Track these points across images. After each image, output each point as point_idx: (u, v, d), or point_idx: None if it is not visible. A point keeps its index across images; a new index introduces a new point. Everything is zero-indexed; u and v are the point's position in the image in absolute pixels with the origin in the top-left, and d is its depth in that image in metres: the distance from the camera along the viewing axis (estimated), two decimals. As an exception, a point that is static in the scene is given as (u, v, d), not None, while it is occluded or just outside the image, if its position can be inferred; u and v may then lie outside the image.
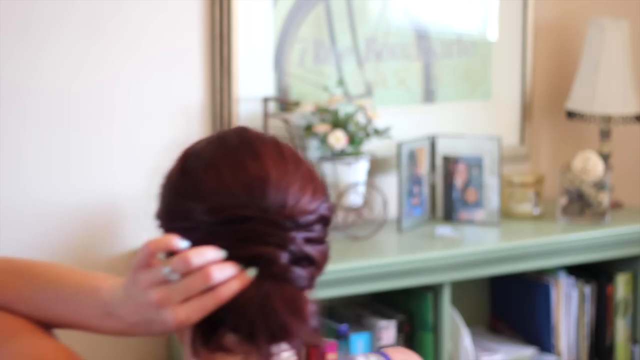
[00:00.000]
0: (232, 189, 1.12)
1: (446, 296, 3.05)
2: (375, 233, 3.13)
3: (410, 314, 3.11)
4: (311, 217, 1.15)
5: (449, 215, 3.36)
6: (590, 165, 3.38)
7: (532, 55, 3.58)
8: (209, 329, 1.13)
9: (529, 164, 3.63)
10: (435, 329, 3.06)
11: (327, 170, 3.11)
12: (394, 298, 3.15)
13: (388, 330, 3.05)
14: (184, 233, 1.13)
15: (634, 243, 3.32)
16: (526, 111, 3.59)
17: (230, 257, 1.11)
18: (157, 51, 3.00)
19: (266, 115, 3.11)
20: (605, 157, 3.48)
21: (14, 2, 2.82)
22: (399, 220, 3.22)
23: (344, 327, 2.99)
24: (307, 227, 1.14)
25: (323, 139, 3.07)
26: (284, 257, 1.12)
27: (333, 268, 2.87)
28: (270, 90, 3.15)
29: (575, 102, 3.53)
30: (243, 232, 1.11)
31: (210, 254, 1.09)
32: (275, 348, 1.13)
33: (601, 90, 3.47)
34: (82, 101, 2.92)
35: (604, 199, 3.37)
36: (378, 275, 2.93)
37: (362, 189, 3.13)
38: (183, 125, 3.06)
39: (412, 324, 3.11)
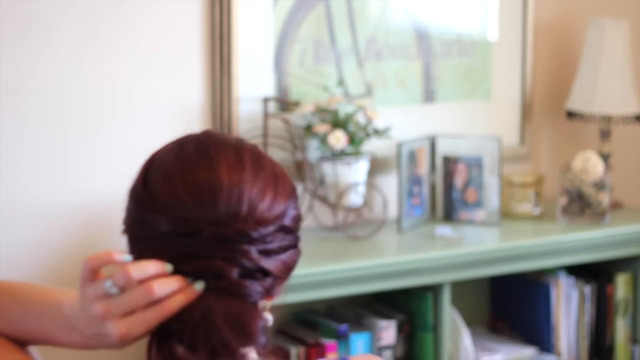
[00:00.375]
0: (184, 200, 1.11)
1: (446, 296, 3.05)
2: (375, 233, 3.13)
3: (410, 314, 3.11)
4: (269, 228, 1.13)
5: (449, 215, 3.36)
6: (590, 165, 3.38)
7: (532, 55, 3.58)
8: (161, 338, 1.14)
9: (529, 164, 3.63)
10: (435, 329, 3.06)
11: (327, 170, 3.11)
12: (394, 298, 3.15)
13: (388, 330, 3.05)
14: (140, 242, 1.13)
15: (634, 243, 3.32)
16: (526, 111, 3.59)
17: (178, 271, 1.10)
18: (157, 51, 3.00)
19: (266, 115, 3.11)
20: (605, 157, 3.48)
21: (14, 2, 2.82)
22: (399, 220, 3.22)
23: (344, 327, 2.99)
24: (262, 239, 1.12)
25: (323, 139, 3.07)
26: (234, 272, 1.10)
27: (333, 268, 2.87)
28: (270, 90, 3.15)
29: (575, 102, 3.53)
30: (191, 245, 1.10)
31: (151, 268, 1.09)
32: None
33: (601, 90, 3.47)
34: (82, 101, 2.92)
35: (604, 199, 3.37)
36: (378, 275, 2.93)
37: (362, 189, 3.13)
38: (183, 125, 3.04)
39: (412, 324, 3.11)
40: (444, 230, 3.22)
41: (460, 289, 3.27)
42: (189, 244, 1.10)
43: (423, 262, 2.99)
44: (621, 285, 3.39)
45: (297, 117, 3.15)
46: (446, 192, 3.36)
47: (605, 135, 3.54)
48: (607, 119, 3.52)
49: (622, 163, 3.71)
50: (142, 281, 1.09)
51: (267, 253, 1.13)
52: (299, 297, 2.80)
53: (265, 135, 3.12)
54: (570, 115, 3.55)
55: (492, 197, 3.32)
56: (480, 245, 3.15)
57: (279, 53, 3.16)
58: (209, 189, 1.11)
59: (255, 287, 1.11)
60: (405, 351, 3.10)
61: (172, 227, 1.11)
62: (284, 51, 3.17)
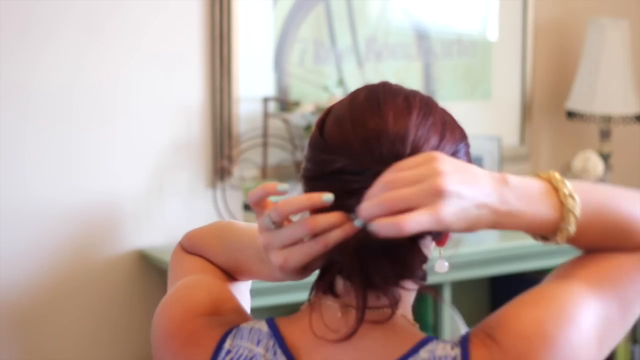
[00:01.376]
0: (352, 142, 1.14)
1: (446, 296, 3.05)
2: (375, 233, 3.13)
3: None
4: None
5: (449, 215, 3.35)
6: (590, 165, 3.38)
7: (532, 55, 3.58)
8: (324, 269, 1.17)
9: (529, 164, 3.63)
10: (435, 329, 3.06)
11: (327, 170, 3.11)
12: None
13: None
14: (313, 181, 1.17)
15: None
16: (526, 111, 3.59)
17: (344, 205, 1.12)
18: (157, 51, 3.00)
19: (266, 115, 3.11)
20: (605, 157, 3.48)
21: (15, 2, 2.82)
22: (399, 220, 3.21)
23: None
24: None
25: (323, 139, 3.07)
26: None
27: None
28: (270, 90, 3.15)
29: (575, 102, 3.53)
30: (357, 182, 1.12)
31: (303, 202, 1.11)
32: (374, 301, 1.14)
33: (601, 90, 3.47)
34: (83, 101, 2.92)
35: (604, 199, 3.37)
36: (378, 275, 2.93)
37: (362, 189, 3.12)
38: (183, 125, 3.06)
39: (412, 324, 3.11)
40: (444, 230, 3.22)
41: (460, 289, 3.27)
42: (355, 181, 1.13)
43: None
44: (621, 285, 3.39)
45: (297, 117, 3.16)
46: (446, 192, 3.36)
47: (605, 135, 3.54)
48: (607, 119, 3.52)
49: (622, 163, 3.71)
50: (297, 214, 1.13)
51: None
52: (296, 298, 2.80)
53: (265, 135, 3.12)
54: (570, 115, 3.55)
55: (492, 197, 3.32)
56: (480, 245, 3.15)
57: (279, 53, 3.17)
58: (375, 132, 1.14)
59: None
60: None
61: (341, 165, 1.14)
62: (284, 51, 3.17)
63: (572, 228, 1.12)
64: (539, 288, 1.17)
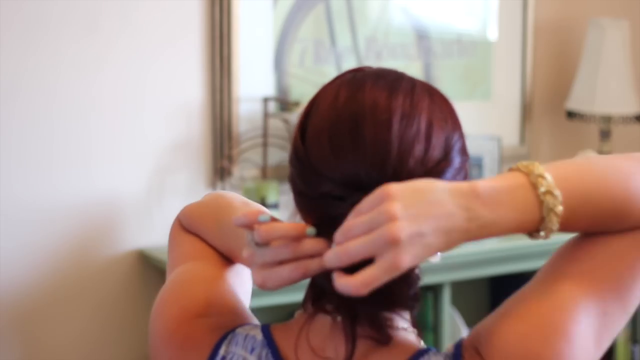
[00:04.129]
0: (333, 168, 1.11)
1: (446, 296, 3.05)
2: (375, 233, 3.13)
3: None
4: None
5: (449, 215, 3.35)
6: (590, 165, 3.38)
7: (532, 55, 3.59)
8: (315, 293, 1.15)
9: (529, 164, 3.62)
10: (435, 329, 3.06)
11: (327, 170, 3.11)
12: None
13: (388, 330, 3.05)
14: (298, 196, 1.14)
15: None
16: (526, 111, 3.59)
17: (326, 232, 1.09)
18: (157, 51, 3.00)
19: (266, 115, 3.11)
20: (605, 157, 3.48)
21: (15, 2, 2.82)
22: (399, 220, 3.21)
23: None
24: None
25: (323, 139, 3.07)
26: None
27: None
28: (270, 90, 3.15)
29: (575, 102, 3.53)
30: (340, 207, 1.09)
31: (288, 231, 1.09)
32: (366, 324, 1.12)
33: (601, 90, 3.47)
34: (83, 101, 2.92)
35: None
36: (378, 275, 2.93)
37: (362, 189, 3.13)
38: (183, 125, 3.06)
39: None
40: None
41: (460, 289, 3.27)
42: (338, 206, 1.09)
43: (423, 262, 2.98)
44: (621, 285, 3.39)
45: (297, 117, 3.15)
46: (446, 192, 3.36)
47: (605, 135, 3.54)
48: (607, 119, 3.52)
49: (622, 163, 3.71)
50: (283, 239, 1.10)
51: None
52: (297, 297, 2.80)
53: (265, 135, 3.12)
54: (570, 115, 3.55)
55: (492, 197, 3.32)
56: (480, 245, 3.15)
57: (279, 53, 3.17)
58: (353, 160, 1.10)
59: None
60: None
61: (327, 190, 1.11)
62: (284, 51, 3.17)
63: (554, 226, 1.06)
64: (528, 293, 1.11)
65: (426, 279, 3.00)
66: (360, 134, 1.10)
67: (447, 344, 3.06)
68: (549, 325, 1.05)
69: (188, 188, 3.07)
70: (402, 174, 1.08)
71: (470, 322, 3.33)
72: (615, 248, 1.10)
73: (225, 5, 3.04)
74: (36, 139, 2.88)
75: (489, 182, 1.05)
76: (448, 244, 1.04)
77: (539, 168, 1.06)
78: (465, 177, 1.14)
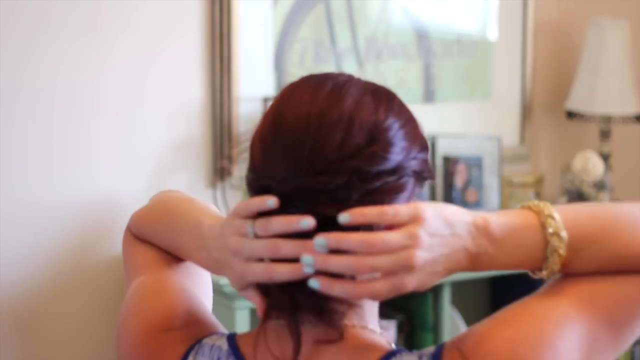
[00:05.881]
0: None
1: (446, 296, 3.05)
2: (375, 233, 3.13)
3: (410, 314, 3.11)
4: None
5: (449, 215, 3.35)
6: (590, 165, 3.38)
7: (532, 55, 3.59)
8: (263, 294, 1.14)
9: (529, 164, 3.63)
10: (435, 329, 3.06)
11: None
12: (394, 298, 3.15)
13: (388, 330, 3.05)
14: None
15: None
16: (526, 111, 3.59)
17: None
18: (158, 51, 3.00)
19: (266, 115, 3.11)
20: (605, 157, 3.48)
21: (15, 2, 2.82)
22: (399, 220, 3.21)
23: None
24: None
25: (323, 139, 3.07)
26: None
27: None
28: (270, 90, 3.15)
29: (575, 102, 3.53)
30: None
31: (288, 224, 1.08)
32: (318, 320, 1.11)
33: (601, 90, 3.47)
34: (83, 101, 2.92)
35: (604, 199, 3.37)
36: (378, 275, 2.93)
37: (362, 189, 3.12)
38: (183, 125, 3.06)
39: (412, 324, 3.11)
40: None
41: (460, 289, 3.27)
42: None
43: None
44: (621, 285, 3.39)
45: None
46: (446, 192, 3.36)
47: (605, 135, 3.54)
48: (607, 119, 3.52)
49: (622, 163, 3.71)
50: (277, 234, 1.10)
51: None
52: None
53: (265, 135, 3.12)
54: (570, 115, 3.55)
55: (492, 197, 3.32)
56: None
57: (279, 53, 3.17)
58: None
59: None
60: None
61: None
62: (284, 51, 3.17)
63: (556, 266, 1.10)
64: (522, 303, 1.12)
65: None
66: (281, 128, 1.11)
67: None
68: (538, 334, 1.06)
69: (188, 188, 3.07)
70: (318, 160, 1.08)
71: (470, 322, 3.34)
72: (619, 283, 1.11)
73: (225, 5, 3.04)
74: (36, 139, 2.88)
75: (501, 218, 1.09)
76: (451, 272, 1.07)
77: (549, 208, 1.10)
78: (423, 167, 1.14)
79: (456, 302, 3.17)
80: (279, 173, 1.10)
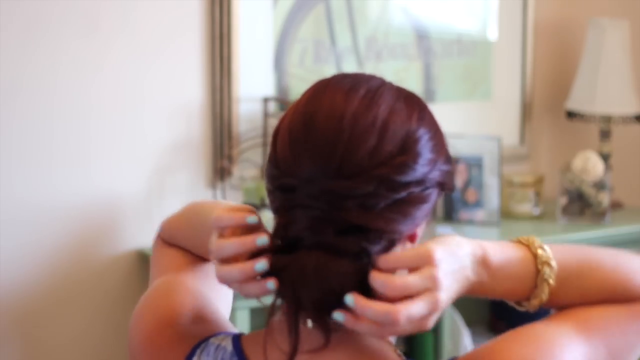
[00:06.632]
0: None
1: (446, 296, 3.04)
2: (375, 233, 3.13)
3: (410, 314, 3.11)
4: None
5: (449, 215, 3.36)
6: (590, 165, 3.38)
7: (532, 55, 3.58)
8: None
9: (529, 164, 3.63)
10: (435, 329, 3.06)
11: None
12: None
13: (388, 330, 3.05)
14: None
15: (634, 243, 3.32)
16: (526, 111, 3.59)
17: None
18: (157, 51, 3.00)
19: (266, 115, 3.11)
20: (605, 157, 3.48)
21: (15, 2, 2.82)
22: (399, 220, 3.21)
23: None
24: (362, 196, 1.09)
25: (323, 139, 3.07)
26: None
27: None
28: (270, 90, 3.15)
29: (575, 102, 3.53)
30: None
31: (242, 246, 1.09)
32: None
33: (601, 90, 3.47)
34: (83, 101, 2.92)
35: (604, 199, 3.37)
36: (378, 275, 2.93)
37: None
38: (183, 125, 3.06)
39: (412, 324, 3.11)
40: (444, 230, 3.22)
41: (460, 289, 3.26)
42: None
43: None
44: (621, 285, 3.39)
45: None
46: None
47: (605, 135, 3.54)
48: (607, 119, 3.52)
49: (622, 163, 3.71)
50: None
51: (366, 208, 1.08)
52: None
53: (265, 135, 3.12)
54: (570, 115, 3.55)
55: (492, 197, 3.32)
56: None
57: (279, 53, 3.17)
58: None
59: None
60: (405, 351, 3.10)
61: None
62: (284, 51, 3.17)
63: (544, 295, 1.14)
64: (530, 327, 1.16)
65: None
66: (313, 127, 1.10)
67: (447, 345, 3.06)
68: (549, 354, 1.10)
69: (188, 188, 3.07)
70: (349, 165, 1.07)
71: (470, 322, 3.33)
72: (614, 313, 1.17)
73: (225, 5, 3.03)
74: (36, 139, 2.88)
75: (498, 250, 1.13)
76: (453, 300, 1.11)
77: (538, 241, 1.15)
78: (446, 179, 1.15)
79: (456, 303, 3.17)
80: (305, 172, 1.09)
